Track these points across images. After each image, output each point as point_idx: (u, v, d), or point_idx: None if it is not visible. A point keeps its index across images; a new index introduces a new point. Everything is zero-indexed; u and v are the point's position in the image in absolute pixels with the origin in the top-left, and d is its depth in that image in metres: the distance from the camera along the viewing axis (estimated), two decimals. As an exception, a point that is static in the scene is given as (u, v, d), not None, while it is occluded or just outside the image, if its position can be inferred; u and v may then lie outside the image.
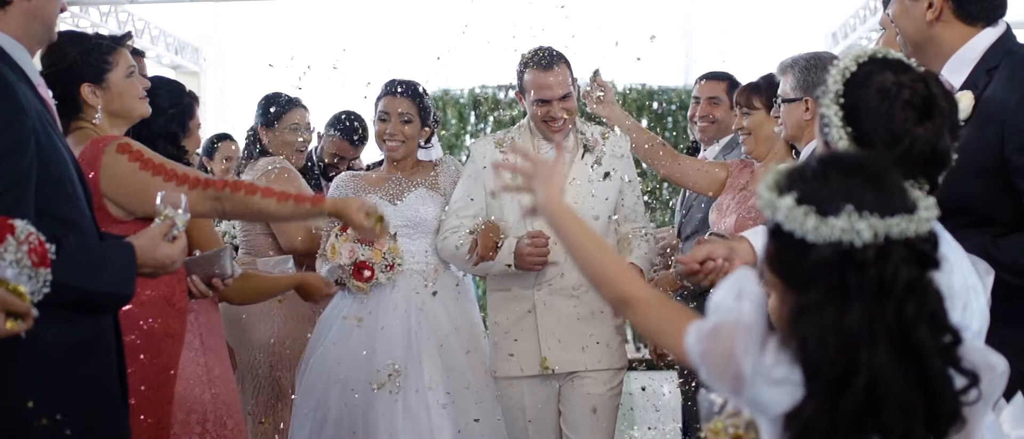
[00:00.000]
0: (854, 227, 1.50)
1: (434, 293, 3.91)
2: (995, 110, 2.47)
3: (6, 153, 2.15)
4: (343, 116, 5.12)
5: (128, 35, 3.09)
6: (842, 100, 1.94)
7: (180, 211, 2.37)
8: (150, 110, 3.08)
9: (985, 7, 2.56)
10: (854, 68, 1.95)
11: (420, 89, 4.06)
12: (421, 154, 4.13)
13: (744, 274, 1.64)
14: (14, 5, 2.33)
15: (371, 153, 5.48)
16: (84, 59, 2.92)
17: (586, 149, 3.84)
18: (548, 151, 3.79)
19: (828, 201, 1.52)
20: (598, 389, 3.80)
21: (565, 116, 3.76)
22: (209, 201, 2.86)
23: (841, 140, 1.92)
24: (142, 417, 2.87)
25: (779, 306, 1.61)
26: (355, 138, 5.11)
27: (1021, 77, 2.47)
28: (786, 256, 1.57)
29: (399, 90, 4.01)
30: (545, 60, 3.75)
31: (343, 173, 4.31)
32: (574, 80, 3.83)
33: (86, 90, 2.94)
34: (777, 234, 1.58)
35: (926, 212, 1.54)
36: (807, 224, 1.52)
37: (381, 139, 4.06)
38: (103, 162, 2.84)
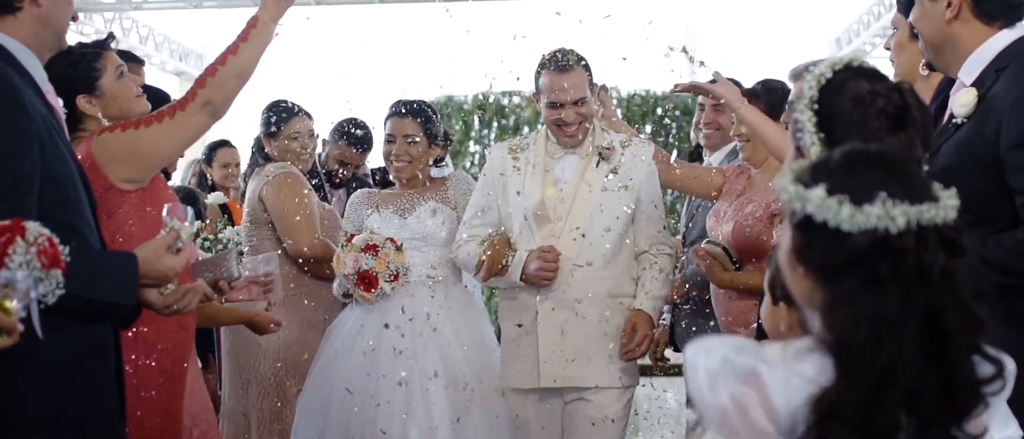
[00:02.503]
0: (889, 214, 1.50)
1: (432, 296, 3.90)
2: (996, 107, 2.48)
3: (9, 155, 2.15)
4: (347, 123, 5.12)
5: (111, 36, 3.10)
6: (816, 106, 1.95)
7: (185, 223, 2.37)
8: (149, 106, 3.09)
9: (1002, 6, 2.55)
10: (829, 75, 1.97)
11: (426, 109, 4.04)
12: (434, 172, 4.12)
13: (699, 349, 1.58)
14: (24, 11, 2.33)
15: (376, 158, 5.49)
16: (73, 72, 2.93)
17: (601, 157, 3.68)
18: (562, 156, 3.72)
19: (860, 190, 1.53)
20: (603, 412, 3.63)
21: (578, 122, 3.64)
22: (203, 110, 2.89)
23: (813, 146, 1.94)
24: (162, 409, 2.91)
25: (808, 296, 1.60)
26: (359, 145, 5.11)
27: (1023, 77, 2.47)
28: (820, 248, 1.55)
29: (404, 111, 4.00)
30: (562, 62, 3.62)
31: (359, 190, 4.33)
32: (593, 85, 3.70)
33: (82, 102, 2.96)
34: (806, 226, 1.57)
35: (950, 201, 1.55)
36: (842, 213, 1.52)
37: (388, 160, 4.06)
38: (95, 152, 2.86)
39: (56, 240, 1.97)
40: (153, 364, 2.86)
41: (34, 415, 2.22)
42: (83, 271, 2.11)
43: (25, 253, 1.91)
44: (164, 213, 2.40)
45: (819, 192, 1.54)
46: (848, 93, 1.94)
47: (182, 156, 3.55)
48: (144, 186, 2.92)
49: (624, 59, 4.13)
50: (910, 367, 1.50)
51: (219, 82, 2.88)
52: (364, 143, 5.11)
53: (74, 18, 2.48)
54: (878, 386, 1.50)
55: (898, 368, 1.50)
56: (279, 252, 3.83)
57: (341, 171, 5.12)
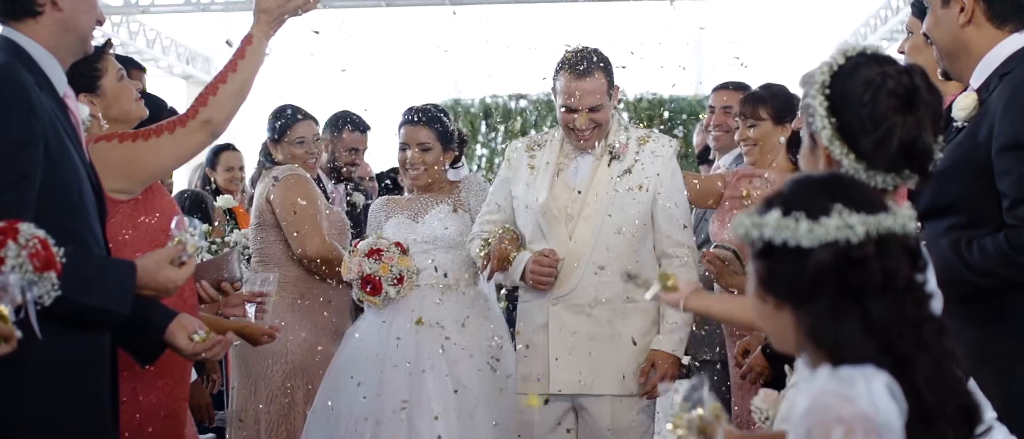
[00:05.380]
0: (847, 223, 1.51)
1: (441, 299, 3.89)
2: (991, 110, 2.49)
3: (11, 154, 2.14)
4: (339, 115, 5.14)
5: (108, 43, 3.10)
6: (828, 91, 1.96)
7: (195, 236, 2.36)
8: (148, 112, 3.09)
9: (1014, 7, 2.56)
10: (842, 61, 1.98)
11: (439, 115, 4.03)
12: (451, 174, 4.12)
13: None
14: (45, 15, 2.33)
15: (377, 162, 5.50)
16: (74, 73, 2.93)
17: (612, 156, 3.55)
18: (577, 156, 3.63)
19: (815, 206, 1.53)
20: (616, 421, 3.51)
21: (592, 127, 3.52)
22: (203, 129, 2.89)
23: (825, 130, 1.95)
24: (163, 414, 2.89)
25: (789, 327, 1.59)
26: (361, 127, 5.14)
27: (1019, 82, 2.48)
28: (783, 271, 1.55)
29: (416, 119, 3.99)
30: (581, 65, 3.48)
31: (378, 198, 4.33)
32: (613, 88, 3.57)
33: (83, 101, 2.95)
34: (768, 252, 1.57)
35: (908, 211, 1.56)
36: (800, 229, 1.52)
37: (403, 167, 4.05)
38: (91, 160, 2.85)
39: (50, 242, 1.95)
40: (152, 368, 2.85)
41: (30, 417, 2.20)
42: (78, 275, 2.09)
43: (17, 256, 1.90)
44: (173, 225, 2.38)
45: (774, 215, 1.54)
46: (859, 77, 1.94)
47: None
48: (137, 196, 2.91)
49: (641, 58, 4.04)
50: (933, 374, 1.50)
51: (220, 101, 2.89)
52: (363, 124, 5.16)
53: (100, 22, 2.46)
54: (919, 401, 1.49)
55: (913, 370, 1.49)
56: (276, 275, 3.83)
57: (354, 160, 5.13)
